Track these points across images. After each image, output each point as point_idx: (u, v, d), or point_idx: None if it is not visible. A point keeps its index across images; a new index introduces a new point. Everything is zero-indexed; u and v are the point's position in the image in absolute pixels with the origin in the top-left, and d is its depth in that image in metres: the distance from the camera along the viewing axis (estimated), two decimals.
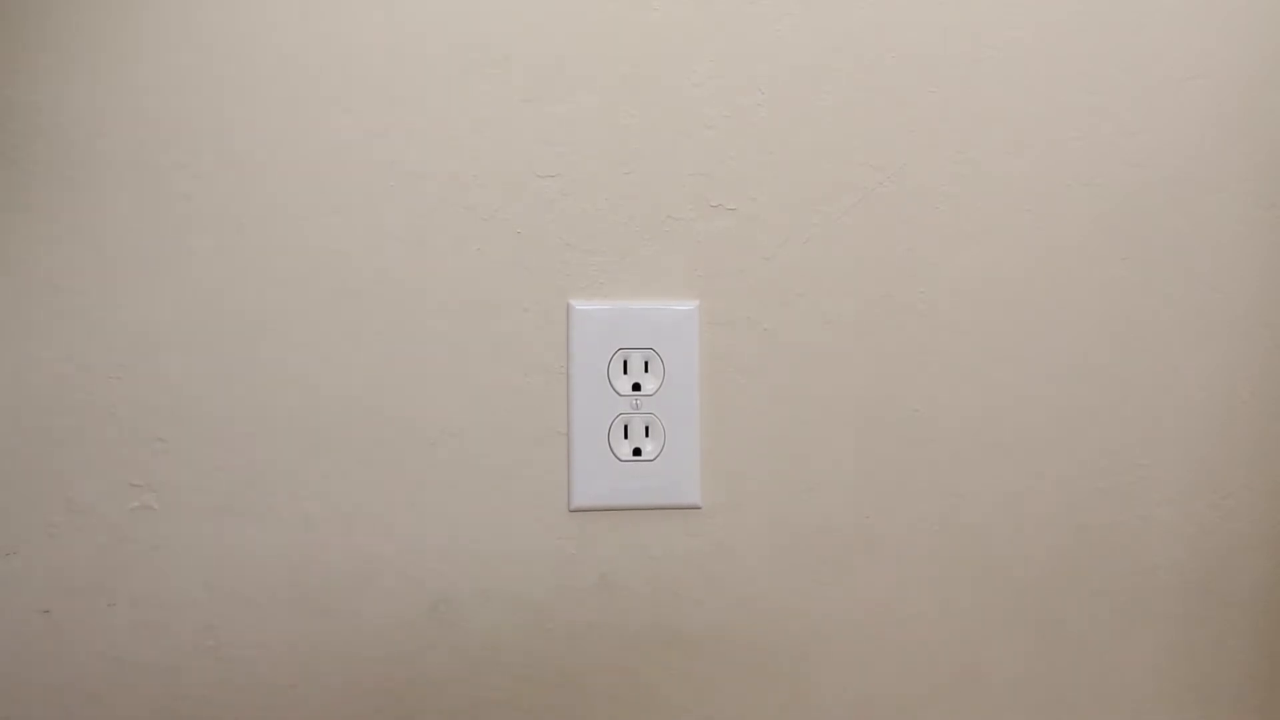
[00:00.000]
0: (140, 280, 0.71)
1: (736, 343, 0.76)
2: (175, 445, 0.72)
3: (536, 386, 0.75)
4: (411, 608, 0.75)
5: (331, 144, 0.72)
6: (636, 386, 0.74)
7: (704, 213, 0.75)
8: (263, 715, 0.74)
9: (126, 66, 0.70)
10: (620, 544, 0.76)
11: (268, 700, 0.74)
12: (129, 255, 0.71)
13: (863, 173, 0.76)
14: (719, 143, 0.75)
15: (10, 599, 0.71)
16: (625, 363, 0.75)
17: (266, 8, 0.71)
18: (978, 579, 0.79)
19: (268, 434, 0.73)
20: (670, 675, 0.77)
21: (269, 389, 0.72)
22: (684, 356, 0.75)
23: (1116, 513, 0.80)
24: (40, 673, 0.72)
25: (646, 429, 0.75)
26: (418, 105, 0.73)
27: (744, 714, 0.78)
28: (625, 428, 0.75)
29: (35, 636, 0.72)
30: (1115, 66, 0.78)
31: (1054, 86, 0.78)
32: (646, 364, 0.75)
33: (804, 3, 0.75)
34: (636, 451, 0.75)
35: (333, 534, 0.74)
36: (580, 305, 0.75)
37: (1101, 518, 0.80)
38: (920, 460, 0.78)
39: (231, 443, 0.72)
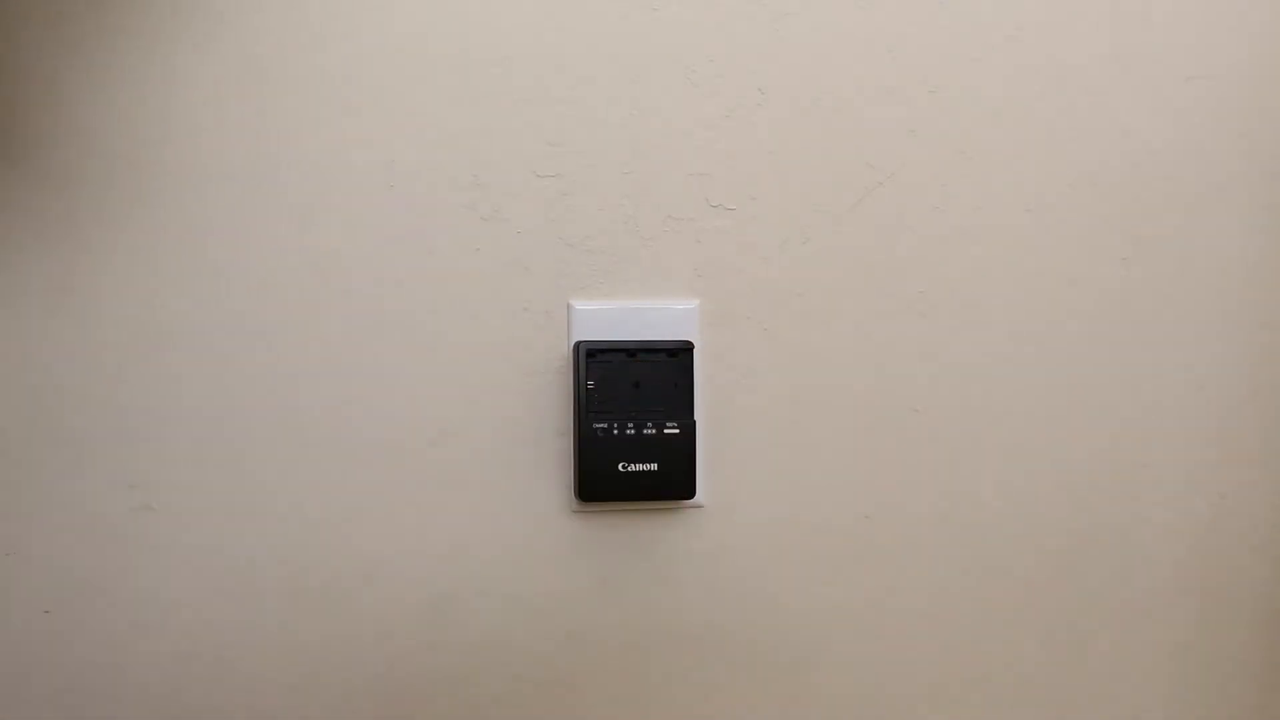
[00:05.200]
0: (141, 280, 0.71)
1: (736, 343, 0.76)
2: (175, 445, 0.72)
3: (536, 386, 0.75)
4: (412, 608, 0.75)
5: (332, 144, 0.72)
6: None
7: (704, 213, 0.75)
8: (262, 715, 0.74)
9: (127, 68, 0.70)
10: (620, 544, 0.76)
11: (267, 700, 0.74)
12: (129, 255, 0.71)
13: (863, 173, 0.76)
14: (719, 143, 0.75)
15: (10, 599, 0.71)
16: None
17: (266, 9, 0.71)
18: (978, 579, 0.80)
19: (267, 434, 0.73)
20: (670, 675, 0.77)
21: (269, 389, 0.72)
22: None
23: (1116, 513, 0.80)
24: (40, 673, 0.72)
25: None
26: (418, 105, 0.73)
27: (744, 714, 0.78)
28: None
29: (35, 636, 0.72)
30: (1115, 66, 0.78)
31: (1054, 86, 0.78)
32: None
33: (804, 3, 0.75)
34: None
35: (333, 534, 0.74)
36: (580, 305, 0.75)
37: (1101, 518, 0.80)
38: (920, 460, 0.78)
39: (231, 443, 0.72)
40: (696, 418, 0.75)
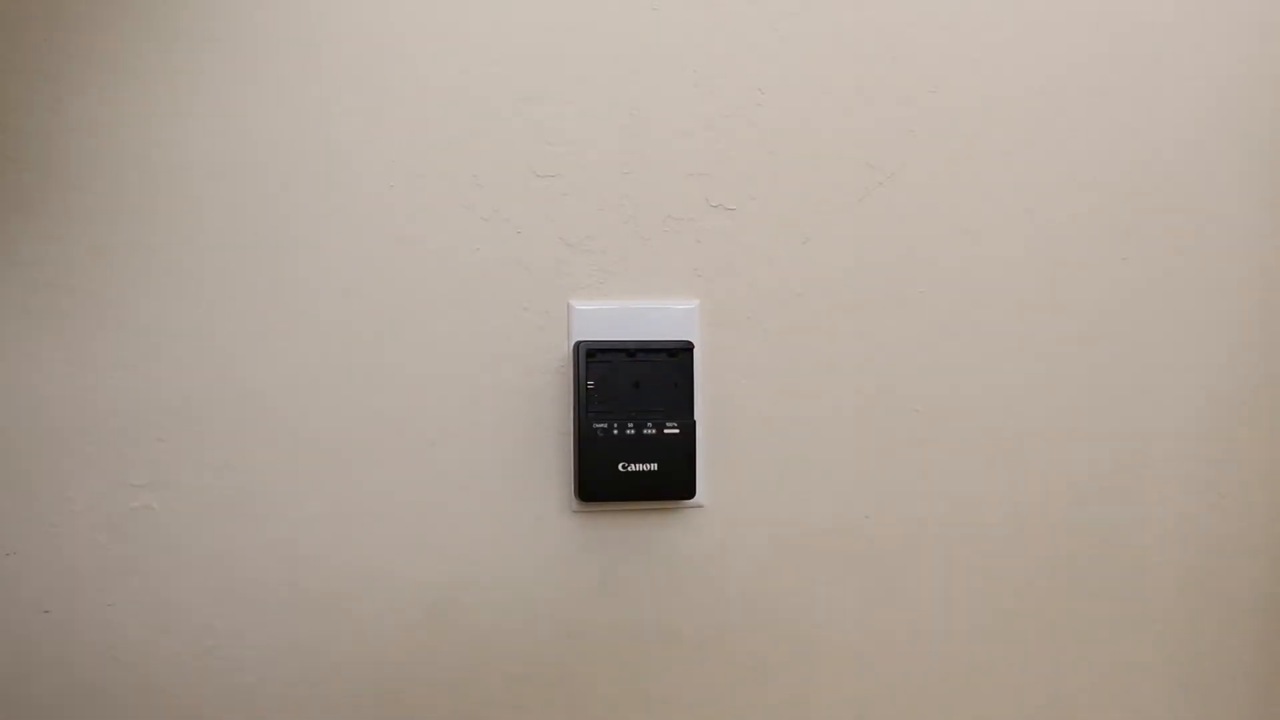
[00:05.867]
0: (142, 280, 0.71)
1: (736, 343, 0.76)
2: (175, 445, 0.72)
3: (536, 386, 0.75)
4: (411, 608, 0.75)
5: (332, 144, 0.72)
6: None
7: (704, 213, 0.75)
8: (263, 715, 0.74)
9: (127, 68, 0.70)
10: (620, 544, 0.76)
11: (268, 700, 0.74)
12: (130, 256, 0.71)
13: (863, 173, 0.76)
14: (719, 143, 0.75)
15: (10, 599, 0.71)
16: None
17: (267, 9, 0.71)
18: (978, 579, 0.80)
19: (268, 434, 0.73)
20: (670, 675, 0.77)
21: (269, 389, 0.72)
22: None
23: (1116, 513, 0.80)
24: (40, 673, 0.72)
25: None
26: (418, 105, 0.73)
27: (744, 714, 0.78)
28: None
29: (35, 636, 0.72)
30: (1115, 66, 0.78)
31: (1054, 86, 0.78)
32: None
33: (804, 3, 0.75)
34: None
35: (333, 534, 0.74)
36: (580, 305, 0.75)
37: (1101, 518, 0.80)
38: (920, 460, 0.78)
39: (231, 443, 0.72)
40: (696, 418, 0.75)
